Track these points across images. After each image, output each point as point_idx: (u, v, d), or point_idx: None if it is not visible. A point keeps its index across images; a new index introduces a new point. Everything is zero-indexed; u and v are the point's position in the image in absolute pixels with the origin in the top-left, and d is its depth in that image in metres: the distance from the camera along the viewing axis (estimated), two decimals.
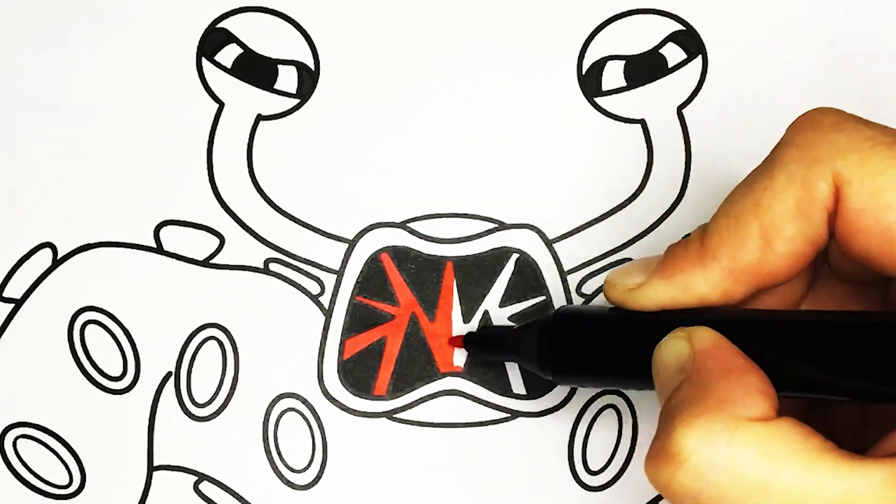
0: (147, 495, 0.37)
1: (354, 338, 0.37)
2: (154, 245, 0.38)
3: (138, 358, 0.37)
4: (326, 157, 0.38)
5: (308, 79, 0.39)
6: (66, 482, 0.37)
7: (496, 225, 0.38)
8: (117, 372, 0.37)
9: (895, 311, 0.30)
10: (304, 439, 0.37)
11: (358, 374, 0.37)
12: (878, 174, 0.26)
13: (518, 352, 0.34)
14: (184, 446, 0.37)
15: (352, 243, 0.38)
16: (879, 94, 0.38)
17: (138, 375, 0.37)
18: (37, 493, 0.37)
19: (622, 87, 0.39)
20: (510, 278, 0.38)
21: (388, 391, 0.37)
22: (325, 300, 0.38)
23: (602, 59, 0.39)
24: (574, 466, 0.37)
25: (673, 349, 0.28)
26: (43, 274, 0.38)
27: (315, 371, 0.37)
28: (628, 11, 0.39)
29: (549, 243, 0.38)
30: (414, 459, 0.37)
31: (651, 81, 0.39)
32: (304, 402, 0.37)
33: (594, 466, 0.37)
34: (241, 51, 0.39)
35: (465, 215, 0.38)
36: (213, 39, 0.39)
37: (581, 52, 0.39)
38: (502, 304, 0.37)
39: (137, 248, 0.38)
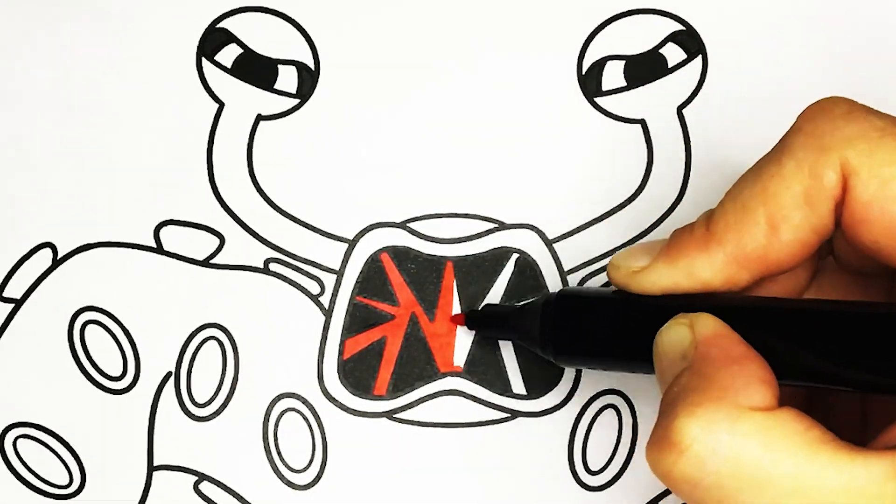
0: (147, 495, 0.37)
1: (354, 338, 0.37)
2: (154, 245, 0.38)
3: (138, 358, 0.37)
4: (326, 157, 0.38)
5: (308, 79, 0.39)
6: (66, 482, 0.37)
7: (496, 225, 0.38)
8: (117, 372, 0.37)
9: None
10: (304, 439, 0.37)
11: (358, 373, 0.37)
12: (887, 165, 0.26)
13: (520, 331, 0.34)
14: (184, 446, 0.37)
15: (352, 243, 0.38)
16: (879, 93, 0.38)
17: (138, 375, 0.37)
18: (37, 493, 0.37)
19: (622, 87, 0.39)
20: (510, 278, 0.38)
21: (388, 391, 0.37)
22: (325, 300, 0.38)
23: (602, 59, 0.39)
24: (574, 466, 0.37)
25: (675, 336, 0.28)
26: (43, 274, 0.38)
27: (315, 371, 0.37)
28: (628, 11, 0.39)
29: (549, 243, 0.38)
30: (414, 459, 0.37)
31: (651, 81, 0.39)
32: (304, 402, 0.37)
33: (594, 466, 0.37)
34: (241, 51, 0.39)
35: (465, 215, 0.38)
36: (213, 39, 0.39)
37: (581, 52, 0.39)
38: (501, 303, 0.37)
39: (137, 248, 0.38)
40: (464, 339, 0.37)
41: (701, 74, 0.39)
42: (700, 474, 0.25)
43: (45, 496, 0.37)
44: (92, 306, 0.38)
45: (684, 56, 0.39)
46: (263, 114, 0.39)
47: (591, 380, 0.37)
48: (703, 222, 0.29)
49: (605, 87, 0.38)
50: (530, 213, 0.38)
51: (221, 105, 0.39)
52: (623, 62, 0.39)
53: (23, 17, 0.39)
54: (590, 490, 0.37)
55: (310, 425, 0.37)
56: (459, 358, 0.37)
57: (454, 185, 0.38)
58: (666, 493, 0.37)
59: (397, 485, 0.37)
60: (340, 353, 0.37)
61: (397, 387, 0.37)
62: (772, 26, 0.39)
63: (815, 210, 0.27)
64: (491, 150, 0.38)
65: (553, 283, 0.38)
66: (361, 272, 0.38)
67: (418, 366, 0.37)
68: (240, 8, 0.39)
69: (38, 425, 0.37)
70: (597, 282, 0.38)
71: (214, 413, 0.37)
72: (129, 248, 0.38)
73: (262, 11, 0.39)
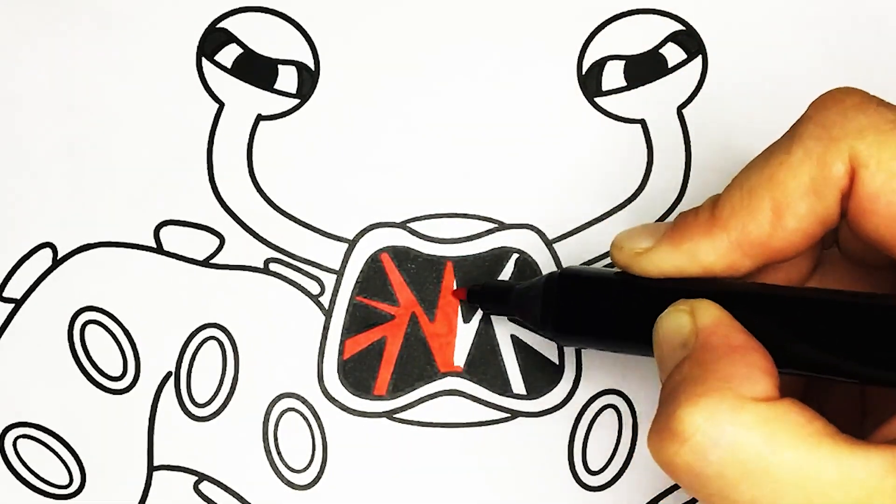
0: (147, 495, 0.37)
1: (354, 338, 0.37)
2: (154, 245, 0.38)
3: (138, 358, 0.37)
4: (326, 157, 0.38)
5: (308, 79, 0.39)
6: (66, 482, 0.37)
7: (496, 225, 0.38)
8: (117, 372, 0.37)
9: None
10: (304, 439, 0.37)
11: (358, 374, 0.37)
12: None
13: (520, 307, 0.34)
14: (184, 446, 0.37)
15: (352, 243, 0.38)
16: (879, 93, 0.38)
17: (138, 375, 0.37)
18: (37, 493, 0.37)
19: (622, 87, 0.39)
20: (510, 278, 0.38)
21: (388, 391, 0.37)
22: (325, 300, 0.38)
23: (602, 59, 0.39)
24: (574, 466, 0.37)
25: (675, 323, 0.28)
26: (43, 274, 0.38)
27: (315, 371, 0.37)
28: (628, 11, 0.39)
29: (549, 243, 0.38)
30: (414, 459, 0.37)
31: (651, 81, 0.39)
32: (304, 402, 0.37)
33: (594, 466, 0.37)
34: (241, 51, 0.39)
35: (465, 215, 0.38)
36: (213, 39, 0.39)
37: (581, 52, 0.39)
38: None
39: (137, 248, 0.38)
40: (464, 339, 0.37)
41: (701, 74, 0.39)
42: (702, 464, 0.25)
43: (45, 496, 0.37)
44: (92, 306, 0.38)
45: (684, 56, 0.39)
46: (263, 114, 0.39)
47: (591, 380, 0.37)
48: (708, 206, 0.29)
49: (605, 87, 0.38)
50: (530, 213, 0.38)
51: (221, 105, 0.39)
52: (623, 62, 0.39)
53: (23, 17, 0.39)
54: (590, 490, 0.37)
55: (310, 425, 0.37)
56: (459, 358, 0.37)
57: (454, 185, 0.38)
58: (666, 493, 0.37)
59: (397, 485, 0.37)
60: (340, 353, 0.37)
61: (397, 387, 0.37)
62: (772, 26, 0.39)
63: (821, 200, 0.27)
64: (491, 150, 0.38)
65: None
66: (361, 272, 0.38)
67: (418, 366, 0.37)
68: (240, 8, 0.39)
69: (38, 425, 0.37)
70: None
71: (214, 413, 0.37)
72: (129, 248, 0.38)
73: (262, 11, 0.39)
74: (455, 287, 0.37)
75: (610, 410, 0.37)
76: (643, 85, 0.39)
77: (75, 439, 0.37)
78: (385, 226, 0.38)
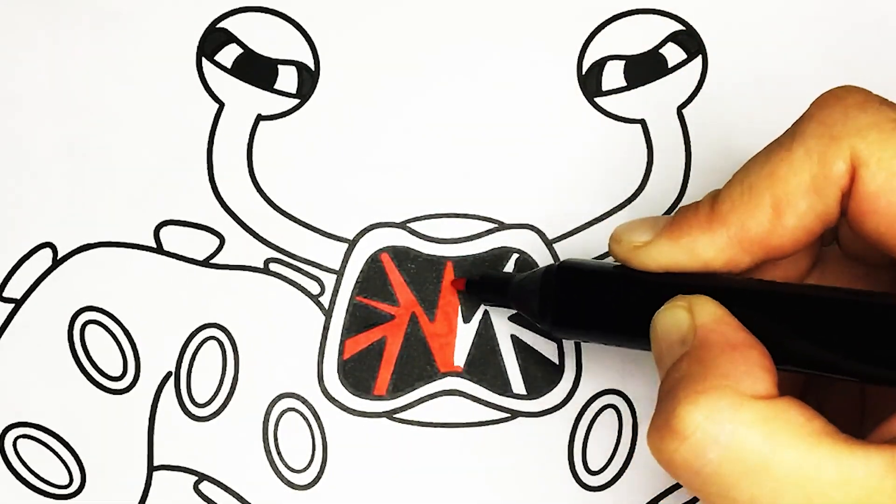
0: (147, 495, 0.37)
1: (354, 338, 0.37)
2: (154, 245, 0.38)
3: (138, 358, 0.37)
4: (326, 157, 0.38)
5: (308, 79, 0.39)
6: (66, 482, 0.37)
7: (496, 225, 0.38)
8: (117, 372, 0.37)
9: None
10: (304, 439, 0.37)
11: (358, 374, 0.37)
12: None
13: (519, 299, 0.34)
14: (184, 446, 0.37)
15: (352, 243, 0.38)
16: (880, 93, 0.38)
17: (138, 375, 0.37)
18: (37, 493, 0.37)
19: (622, 87, 0.39)
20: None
21: (388, 391, 0.37)
22: (325, 300, 0.38)
23: (602, 59, 0.39)
24: (574, 466, 0.37)
25: (673, 319, 0.28)
26: (43, 274, 0.38)
27: (315, 371, 0.37)
28: (628, 11, 0.39)
29: (549, 243, 0.38)
30: (414, 459, 0.37)
31: (651, 81, 0.39)
32: (304, 402, 0.37)
33: (594, 466, 0.37)
34: (241, 51, 0.39)
35: (465, 215, 0.38)
36: (213, 39, 0.39)
37: (581, 52, 0.39)
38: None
39: (137, 248, 0.38)
40: (464, 339, 0.37)
41: (701, 74, 0.39)
42: (701, 461, 0.25)
43: (45, 496, 0.37)
44: (92, 306, 0.38)
45: (684, 56, 0.39)
46: (263, 114, 0.39)
47: (591, 380, 0.37)
48: (708, 201, 0.29)
49: (605, 87, 0.38)
50: (530, 213, 0.38)
51: (221, 105, 0.39)
52: (623, 62, 0.39)
53: (23, 17, 0.39)
54: (590, 490, 0.37)
55: (310, 425, 0.37)
56: (459, 358, 0.37)
57: (454, 185, 0.38)
58: (666, 492, 0.37)
59: (397, 485, 0.37)
60: (340, 353, 0.37)
61: (397, 387, 0.37)
62: (772, 26, 0.39)
63: (821, 198, 0.27)
64: (491, 150, 0.38)
65: None
66: (361, 272, 0.38)
67: (418, 366, 0.37)
68: (240, 8, 0.39)
69: (38, 425, 0.37)
70: None
71: (214, 413, 0.37)
72: (129, 248, 0.38)
73: (262, 11, 0.39)
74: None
75: (610, 410, 0.37)
76: (643, 85, 0.39)
77: (75, 439, 0.37)
78: (385, 226, 0.38)
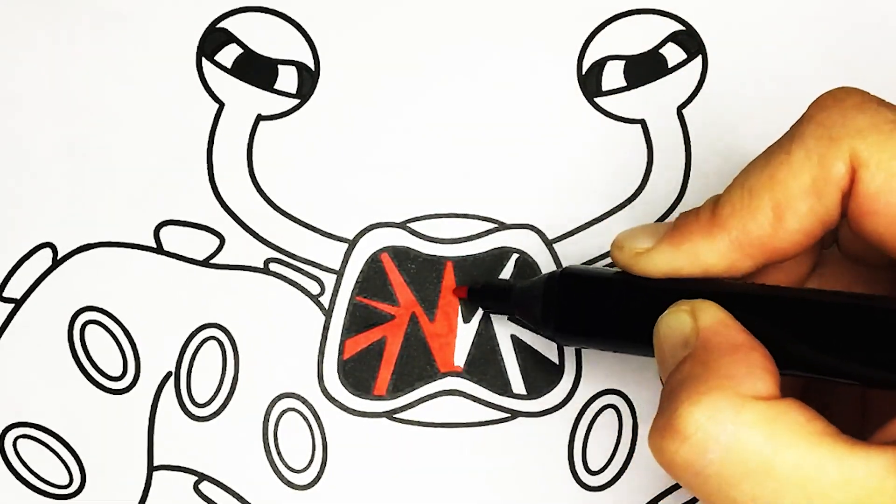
0: (147, 495, 0.37)
1: (354, 338, 0.37)
2: (154, 245, 0.38)
3: (138, 358, 0.37)
4: (326, 157, 0.38)
5: (308, 79, 0.39)
6: (66, 482, 0.37)
7: (496, 225, 0.38)
8: (117, 372, 0.37)
9: None
10: (304, 439, 0.37)
11: (358, 374, 0.37)
12: None
13: (521, 306, 0.34)
14: (184, 446, 0.37)
15: (352, 243, 0.38)
16: (879, 93, 0.38)
17: (138, 375, 0.37)
18: (37, 493, 0.37)
19: (622, 87, 0.39)
20: (510, 278, 0.38)
21: (388, 391, 0.37)
22: (325, 300, 0.38)
23: (602, 59, 0.39)
24: (574, 466, 0.37)
25: (676, 322, 0.28)
26: (43, 274, 0.38)
27: (315, 371, 0.37)
28: (628, 11, 0.39)
29: (549, 243, 0.38)
30: (414, 459, 0.37)
31: (651, 81, 0.39)
32: (304, 402, 0.37)
33: (594, 466, 0.37)
34: (241, 51, 0.39)
35: (465, 215, 0.38)
36: (213, 39, 0.39)
37: (581, 52, 0.39)
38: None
39: (137, 248, 0.38)
40: (464, 339, 0.37)
41: (701, 74, 0.39)
42: (702, 462, 0.25)
43: (45, 496, 0.37)
44: (92, 306, 0.38)
45: (684, 56, 0.39)
46: (263, 114, 0.39)
47: (591, 380, 0.37)
48: (709, 207, 0.29)
49: (605, 87, 0.38)
50: (530, 213, 0.38)
51: (221, 105, 0.39)
52: (623, 62, 0.39)
53: (23, 17, 0.39)
54: (590, 490, 0.37)
55: (310, 425, 0.37)
56: (459, 358, 0.37)
57: (454, 185, 0.38)
58: (666, 492, 0.37)
59: (397, 485, 0.37)
60: (340, 353, 0.37)
61: (397, 387, 0.37)
62: (772, 26, 0.39)
63: (821, 200, 0.27)
64: (491, 150, 0.38)
65: None
66: (361, 272, 0.38)
67: (418, 366, 0.37)
68: (240, 8, 0.39)
69: (38, 425, 0.37)
70: None
71: (214, 413, 0.37)
72: (129, 248, 0.38)
73: (262, 11, 0.39)
74: (456, 286, 0.37)
75: (610, 410, 0.37)
76: (643, 85, 0.39)
77: (75, 439, 0.37)
78: (385, 226, 0.38)
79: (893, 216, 0.26)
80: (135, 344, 0.37)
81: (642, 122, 0.38)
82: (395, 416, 0.37)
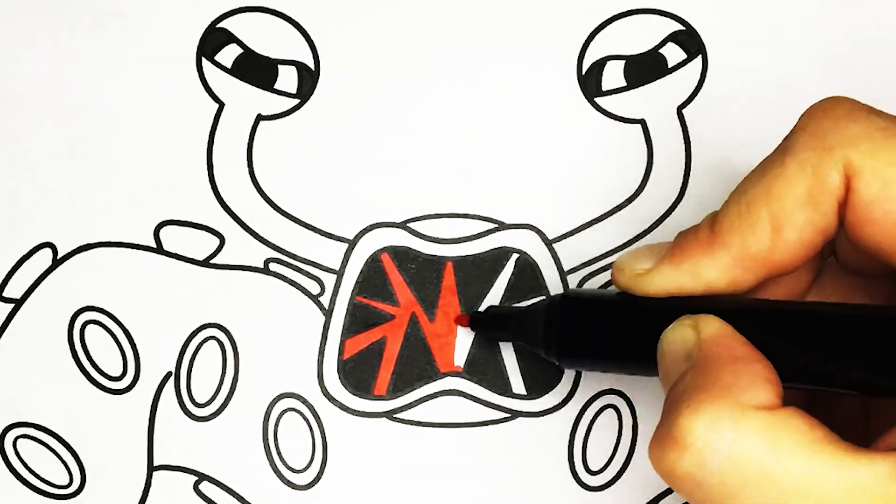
0: (147, 495, 0.37)
1: (354, 338, 0.37)
2: (154, 245, 0.38)
3: (138, 358, 0.37)
4: (326, 157, 0.38)
5: (308, 79, 0.39)
6: (66, 482, 0.37)
7: (496, 225, 0.38)
8: (117, 372, 0.37)
9: None
10: (304, 439, 0.37)
11: (358, 374, 0.37)
12: (890, 165, 0.26)
13: (523, 333, 0.34)
14: (184, 446, 0.37)
15: (352, 243, 0.38)
16: (879, 93, 0.38)
17: (138, 375, 0.37)
18: (37, 493, 0.37)
19: (622, 87, 0.39)
20: (510, 278, 0.38)
21: (388, 391, 0.37)
22: (325, 300, 0.38)
23: (602, 59, 0.39)
24: (574, 466, 0.37)
25: (679, 336, 0.28)
26: (43, 274, 0.38)
27: (315, 371, 0.37)
28: (628, 11, 0.39)
29: (549, 243, 0.38)
30: (414, 459, 0.37)
31: (651, 81, 0.39)
32: (304, 402, 0.37)
33: (594, 466, 0.37)
34: (241, 51, 0.39)
35: (465, 215, 0.38)
36: (213, 39, 0.39)
37: (581, 52, 0.39)
38: (502, 304, 0.37)
39: (137, 248, 0.38)
40: (464, 339, 0.37)
41: (701, 74, 0.39)
42: (703, 472, 0.25)
43: (45, 496, 0.37)
44: (92, 306, 0.38)
45: (684, 56, 0.39)
46: (263, 114, 0.39)
47: (591, 380, 0.37)
48: (707, 224, 0.29)
49: (605, 87, 0.38)
50: (530, 213, 0.38)
51: (221, 105, 0.39)
52: (623, 62, 0.39)
53: (23, 17, 0.39)
54: (590, 490, 0.37)
55: (310, 425, 0.37)
56: (459, 358, 0.37)
57: (454, 185, 0.38)
58: (666, 493, 0.37)
59: (397, 485, 0.37)
60: (340, 353, 0.37)
61: (397, 387, 0.37)
62: (772, 26, 0.39)
63: (818, 210, 0.27)
64: (491, 150, 0.38)
65: (553, 283, 0.38)
66: (361, 272, 0.38)
67: (418, 366, 0.37)
68: (240, 8, 0.39)
69: (38, 425, 0.37)
70: (597, 282, 0.38)
71: (214, 413, 0.37)
72: (129, 248, 0.38)
73: (262, 11, 0.39)
74: (454, 285, 0.37)
75: (610, 410, 0.37)
76: (643, 85, 0.39)
77: (75, 439, 0.37)
78: (385, 226, 0.38)
79: (890, 224, 0.26)
80: (135, 344, 0.37)
81: (642, 122, 0.38)
82: (395, 416, 0.37)
